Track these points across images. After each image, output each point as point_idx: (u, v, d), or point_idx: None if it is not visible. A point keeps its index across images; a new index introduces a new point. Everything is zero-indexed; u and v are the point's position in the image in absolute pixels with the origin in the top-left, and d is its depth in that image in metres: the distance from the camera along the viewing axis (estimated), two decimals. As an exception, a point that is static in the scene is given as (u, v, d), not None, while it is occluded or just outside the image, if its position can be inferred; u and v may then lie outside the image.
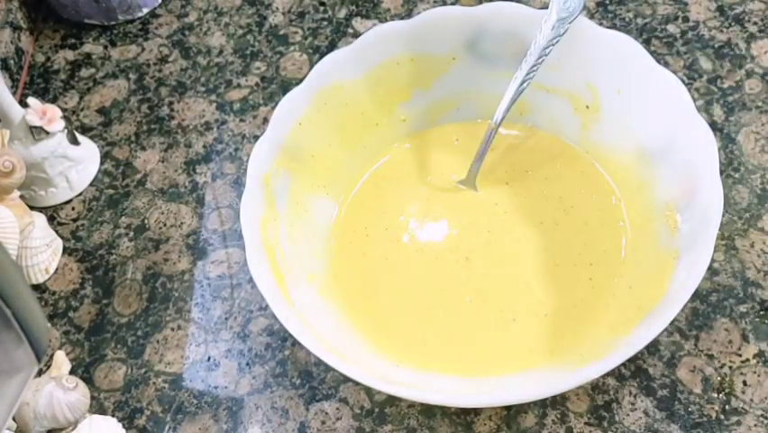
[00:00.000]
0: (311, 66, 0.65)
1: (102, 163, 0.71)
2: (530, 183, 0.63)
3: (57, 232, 0.67)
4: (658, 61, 0.58)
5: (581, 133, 0.63)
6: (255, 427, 0.57)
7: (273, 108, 0.61)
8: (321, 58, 0.62)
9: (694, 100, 0.56)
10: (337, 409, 0.57)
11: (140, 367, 0.60)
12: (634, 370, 0.55)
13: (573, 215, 0.61)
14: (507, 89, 0.60)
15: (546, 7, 0.60)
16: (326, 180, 0.63)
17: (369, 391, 0.57)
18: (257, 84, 0.74)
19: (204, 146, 0.71)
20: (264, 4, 0.80)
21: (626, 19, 0.73)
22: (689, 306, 0.57)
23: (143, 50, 0.78)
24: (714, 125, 0.65)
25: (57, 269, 0.66)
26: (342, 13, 0.78)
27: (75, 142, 0.69)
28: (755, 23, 0.71)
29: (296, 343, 0.57)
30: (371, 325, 0.58)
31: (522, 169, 0.64)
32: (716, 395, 0.54)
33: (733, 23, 0.71)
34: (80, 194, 0.70)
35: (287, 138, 0.60)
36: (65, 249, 0.67)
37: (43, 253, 0.64)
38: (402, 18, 0.75)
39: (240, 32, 0.78)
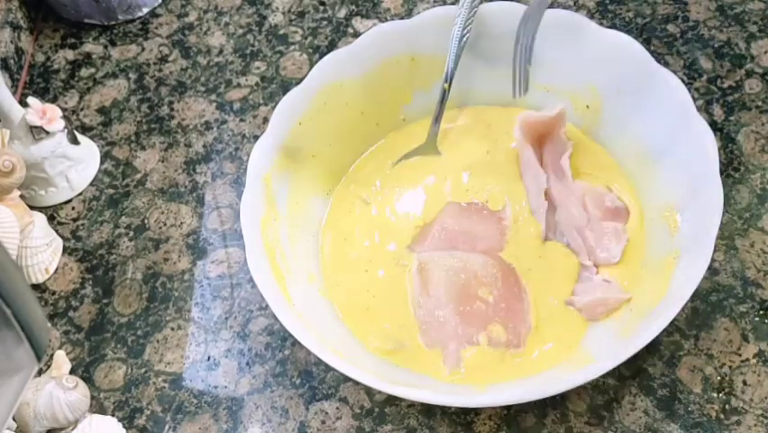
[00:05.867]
0: (311, 66, 0.65)
1: (102, 163, 0.71)
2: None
3: (57, 231, 0.67)
4: (658, 61, 0.58)
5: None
6: (255, 426, 0.57)
7: (273, 108, 0.61)
8: (321, 58, 0.62)
9: (694, 100, 0.56)
10: (337, 408, 0.57)
11: (140, 367, 0.60)
12: (634, 370, 0.55)
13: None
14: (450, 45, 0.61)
15: (546, 7, 0.60)
16: (326, 180, 0.63)
17: (369, 391, 0.57)
18: (257, 84, 0.74)
19: (204, 146, 0.71)
20: (264, 4, 0.80)
21: (626, 19, 0.73)
22: (689, 306, 0.57)
23: (143, 49, 0.78)
24: (714, 125, 0.65)
25: (57, 268, 0.66)
26: (342, 13, 0.78)
27: (75, 141, 0.69)
28: (755, 23, 0.71)
29: (296, 343, 0.57)
30: (368, 324, 0.58)
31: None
32: (716, 395, 0.54)
33: (733, 23, 0.71)
34: (80, 194, 0.70)
35: (287, 138, 0.60)
36: (65, 249, 0.67)
37: (43, 253, 0.64)
38: (402, 18, 0.75)
39: (240, 31, 0.78)
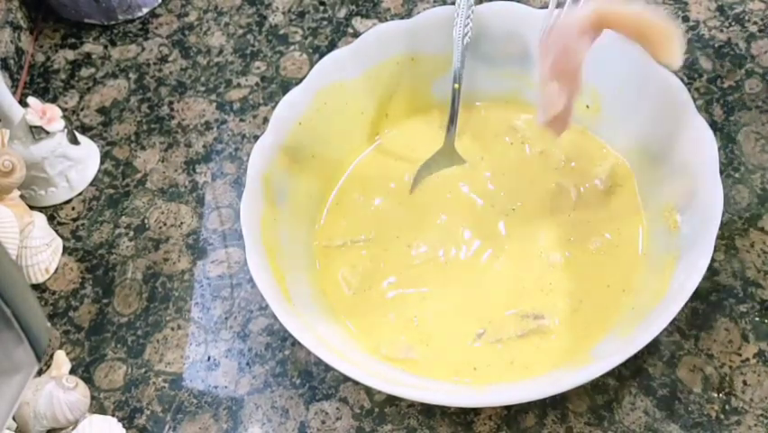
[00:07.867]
0: (311, 66, 0.65)
1: (102, 163, 0.71)
2: (543, 175, 0.62)
3: (57, 231, 0.67)
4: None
5: (581, 133, 0.63)
6: (255, 426, 0.57)
7: (273, 108, 0.61)
8: (321, 58, 0.62)
9: (694, 100, 0.56)
10: (337, 408, 0.57)
11: (140, 367, 0.60)
12: (634, 370, 0.55)
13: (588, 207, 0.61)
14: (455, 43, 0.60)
15: (546, 7, 0.60)
16: (326, 181, 0.63)
17: (369, 391, 0.57)
18: (257, 84, 0.74)
19: (204, 146, 0.71)
20: (264, 4, 0.80)
21: (626, 19, 0.73)
22: (689, 306, 0.57)
23: (143, 49, 0.78)
24: (714, 125, 0.65)
25: (57, 268, 0.66)
26: (342, 13, 0.78)
27: (75, 141, 0.69)
28: (755, 23, 0.71)
29: (296, 343, 0.57)
30: (369, 325, 0.58)
31: (534, 156, 0.64)
32: (716, 395, 0.54)
33: (733, 23, 0.71)
34: (80, 194, 0.70)
35: (287, 138, 0.60)
36: (65, 249, 0.67)
37: (43, 253, 0.64)
38: (402, 18, 0.75)
39: (240, 31, 0.78)
